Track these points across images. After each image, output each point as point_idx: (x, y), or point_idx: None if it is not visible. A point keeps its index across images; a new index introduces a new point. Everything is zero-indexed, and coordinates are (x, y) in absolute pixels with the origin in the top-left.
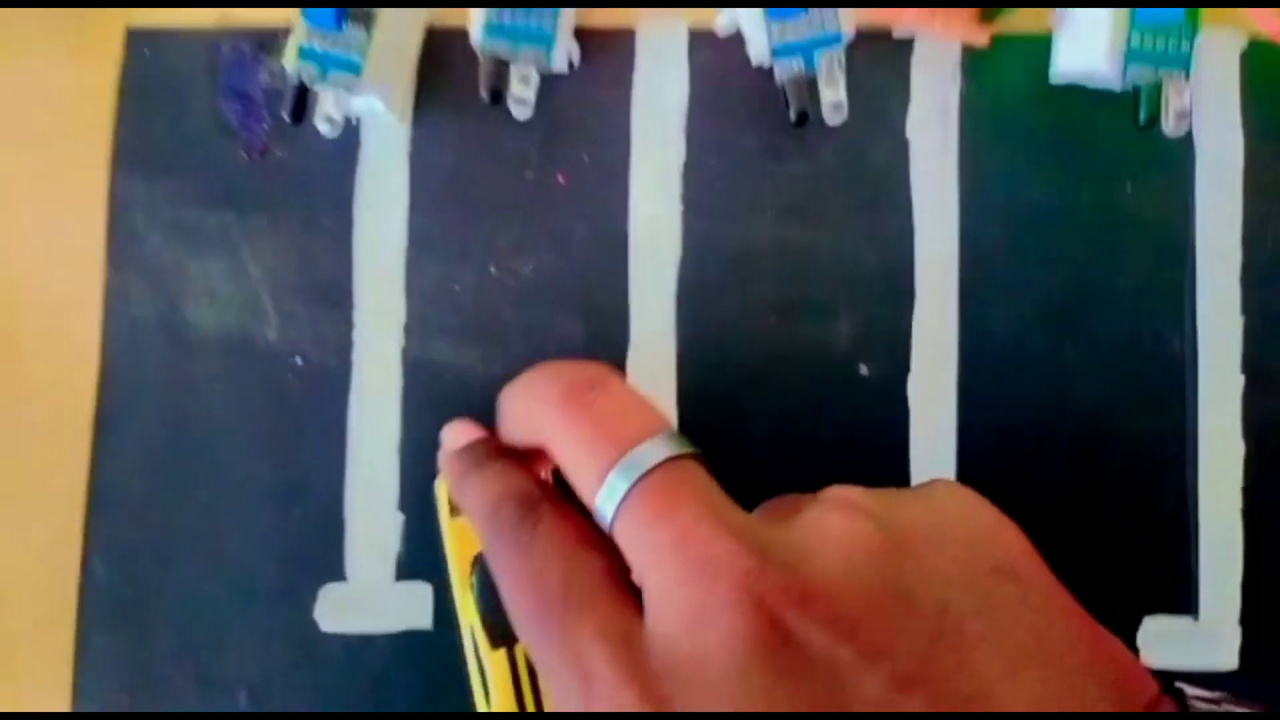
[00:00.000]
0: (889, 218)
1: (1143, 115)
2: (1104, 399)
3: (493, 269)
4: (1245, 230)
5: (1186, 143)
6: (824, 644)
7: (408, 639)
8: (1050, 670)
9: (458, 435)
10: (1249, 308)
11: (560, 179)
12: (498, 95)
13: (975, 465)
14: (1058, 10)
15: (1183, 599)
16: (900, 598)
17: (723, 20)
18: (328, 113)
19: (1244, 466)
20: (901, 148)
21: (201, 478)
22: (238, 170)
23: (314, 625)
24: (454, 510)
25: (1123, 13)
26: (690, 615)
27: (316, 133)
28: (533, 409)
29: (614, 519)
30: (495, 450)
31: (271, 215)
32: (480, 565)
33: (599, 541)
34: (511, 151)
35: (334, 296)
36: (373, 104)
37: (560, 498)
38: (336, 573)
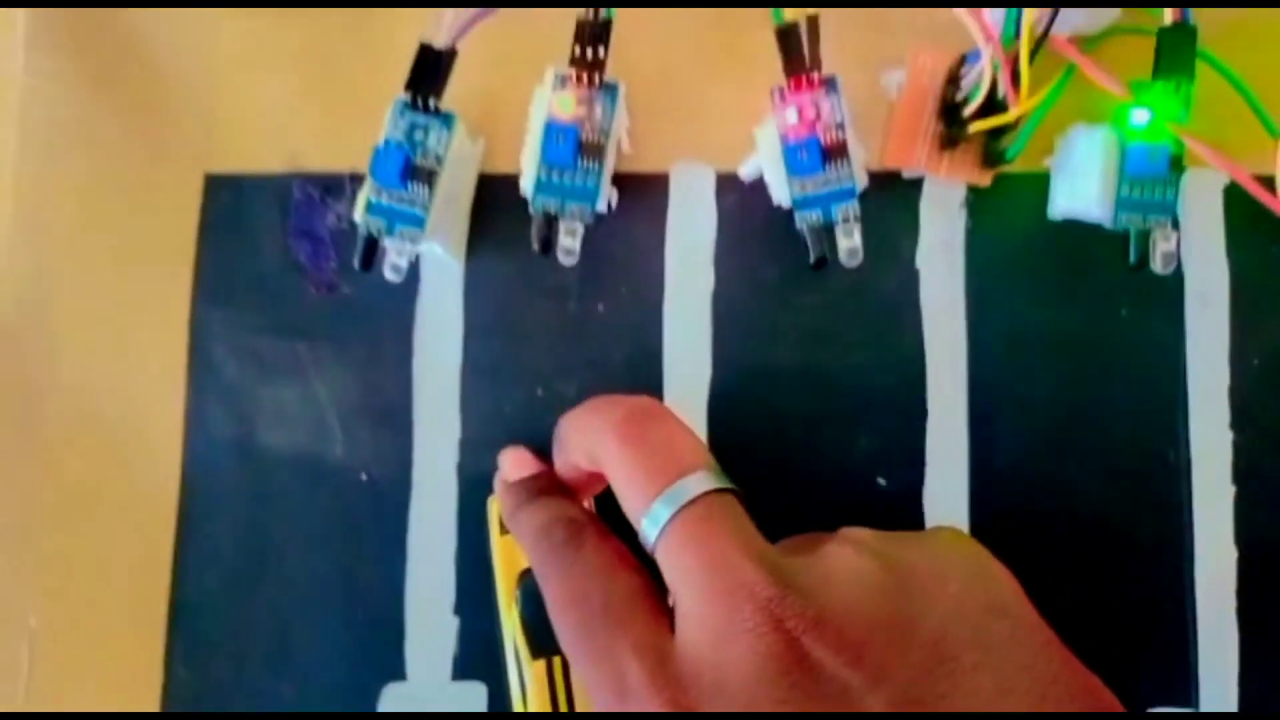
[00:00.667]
0: (902, 341)
1: (1133, 257)
2: (1106, 508)
3: (540, 391)
4: (1232, 352)
5: (1176, 273)
6: (834, 666)
7: None
8: (1035, 698)
9: (514, 464)
10: (1237, 424)
11: (600, 308)
12: (547, 245)
13: None
14: (1053, 155)
15: (1184, 692)
16: (903, 628)
17: (747, 169)
18: (394, 262)
19: (1237, 569)
20: (912, 278)
21: (274, 585)
22: (307, 304)
23: None
24: (503, 529)
25: (1112, 164)
26: (717, 633)
27: (380, 271)
28: (592, 433)
29: (656, 541)
30: (547, 484)
31: (338, 344)
32: (524, 581)
33: (637, 563)
34: (556, 285)
35: (396, 418)
36: (433, 249)
37: (602, 524)
38: (398, 672)
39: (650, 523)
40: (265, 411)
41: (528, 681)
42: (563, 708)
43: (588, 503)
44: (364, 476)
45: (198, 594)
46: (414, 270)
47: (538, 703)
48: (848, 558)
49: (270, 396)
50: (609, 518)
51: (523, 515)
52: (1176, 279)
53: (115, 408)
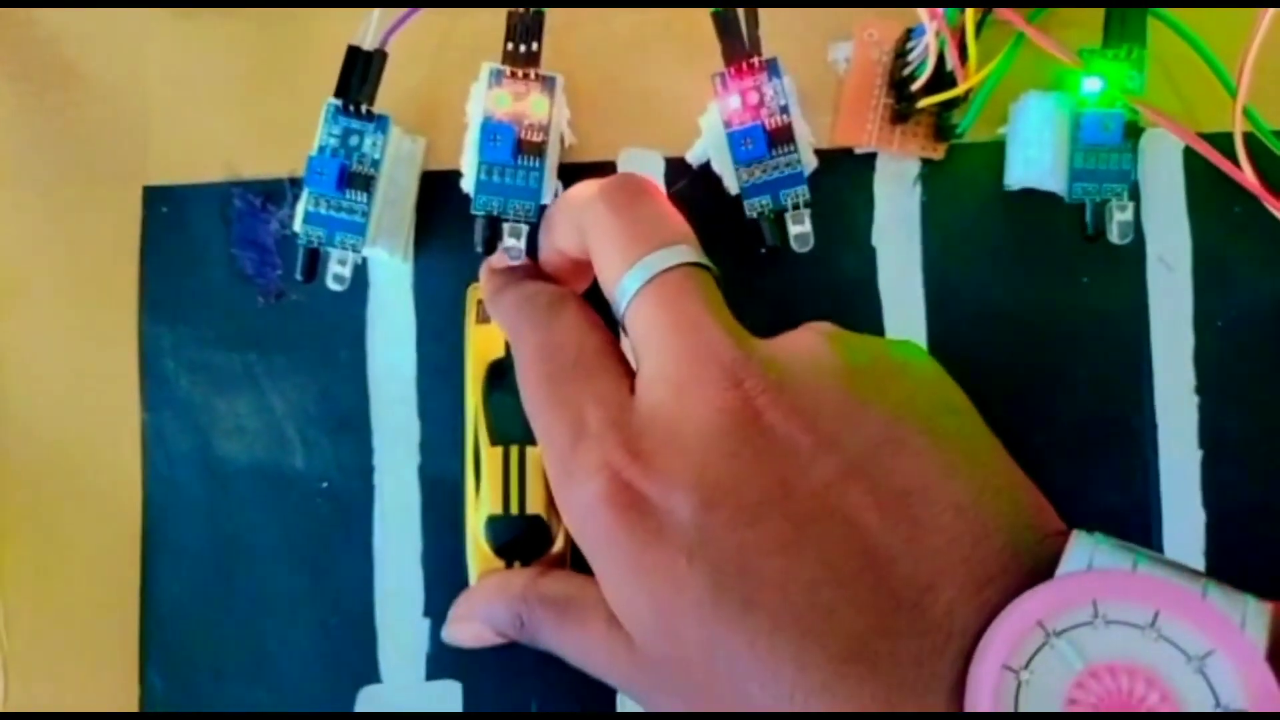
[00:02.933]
0: (861, 321)
1: (1090, 227)
2: (1072, 479)
3: None
4: (1195, 315)
5: (1137, 238)
6: (787, 429)
7: None
8: (977, 484)
9: (501, 256)
10: (1202, 387)
11: None
12: (492, 246)
13: None
14: (1008, 124)
15: None
16: (857, 406)
17: (694, 154)
18: (336, 271)
19: (1205, 533)
20: (869, 256)
21: (244, 595)
22: (256, 313)
23: None
24: (480, 318)
25: (1065, 133)
26: (678, 387)
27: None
28: (581, 201)
29: (630, 301)
30: (534, 271)
31: (290, 353)
32: (492, 369)
33: (610, 331)
34: None
35: (354, 424)
36: (378, 253)
37: (584, 300)
38: (372, 675)
39: (628, 283)
40: (222, 424)
41: (483, 466)
42: (514, 495)
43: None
44: (325, 484)
45: (169, 608)
46: (363, 274)
47: (491, 487)
48: (812, 341)
49: (226, 409)
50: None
51: (508, 291)
52: (1138, 244)
53: (71, 430)
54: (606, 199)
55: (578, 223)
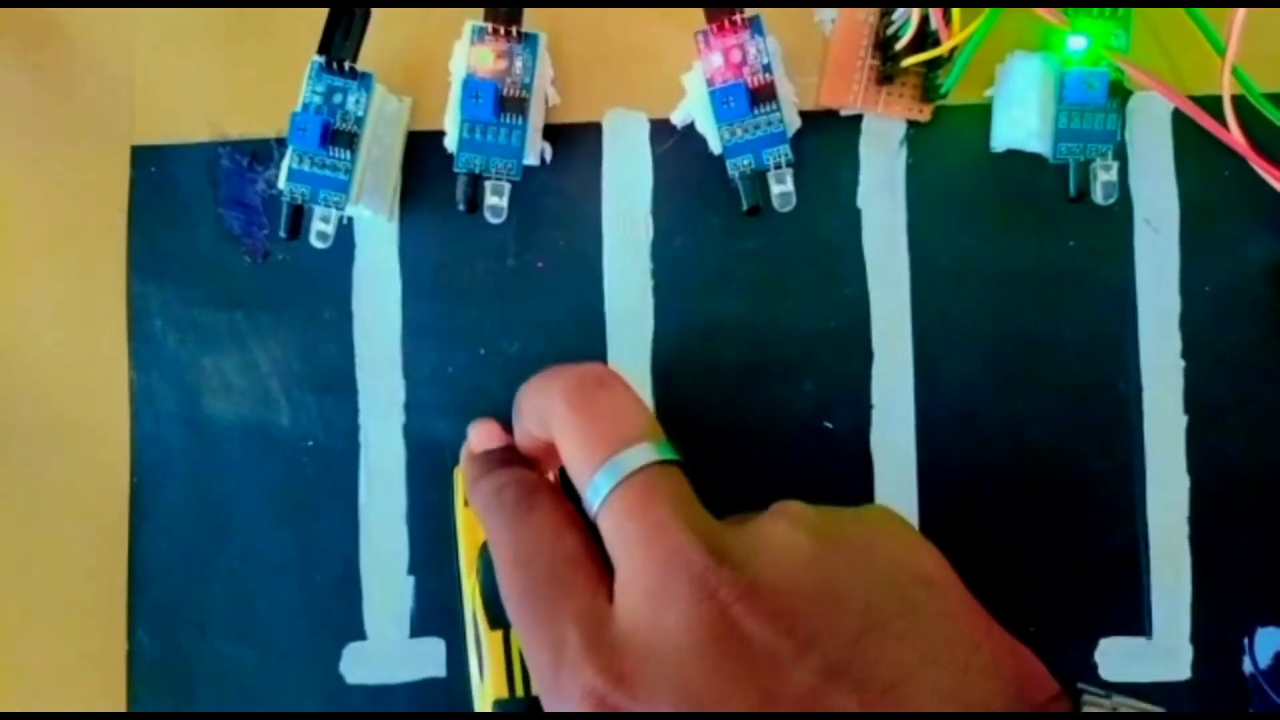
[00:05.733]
0: (845, 283)
1: (1073, 188)
2: (1056, 442)
3: (482, 350)
4: (1182, 279)
5: (1125, 201)
6: (764, 635)
7: (425, 686)
8: (958, 665)
9: (481, 436)
10: (1189, 352)
11: (539, 264)
12: (474, 204)
13: (936, 508)
14: (994, 85)
15: (1137, 621)
16: (832, 597)
17: (679, 114)
18: (320, 228)
19: (1189, 498)
20: (854, 218)
21: (230, 552)
22: (243, 273)
23: (340, 679)
24: (468, 501)
25: (1050, 93)
26: (653, 600)
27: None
28: (543, 399)
29: (599, 509)
30: (510, 455)
31: (276, 312)
32: (485, 553)
33: (584, 526)
34: (493, 242)
35: (339, 383)
36: (362, 212)
37: (559, 490)
38: (357, 632)
39: (593, 491)
40: (210, 383)
41: (485, 651)
42: (518, 676)
43: (551, 476)
44: (311, 443)
45: (156, 565)
46: (348, 233)
47: (494, 671)
48: (781, 530)
49: (213, 368)
50: (571, 491)
51: (482, 482)
52: (1125, 206)
53: (60, 389)
54: (564, 398)
55: (541, 418)
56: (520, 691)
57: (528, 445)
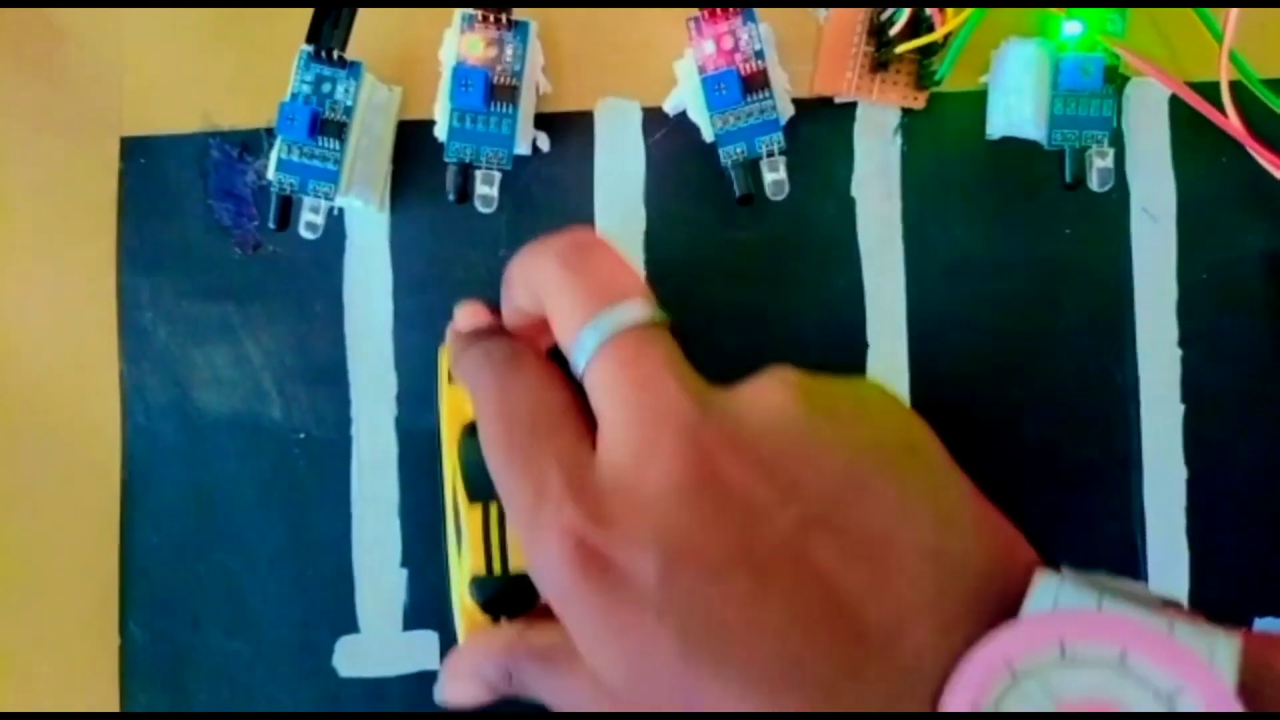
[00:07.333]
0: (839, 272)
1: (1068, 175)
2: (1053, 432)
3: None
4: (1179, 267)
5: (1121, 189)
6: (746, 482)
7: (419, 679)
8: (939, 524)
9: (467, 315)
10: (1186, 341)
11: None
12: (464, 194)
13: None
14: (990, 72)
15: None
16: (816, 454)
17: (671, 103)
18: (309, 219)
19: (1186, 488)
20: (848, 206)
21: (223, 547)
22: (233, 265)
23: (333, 673)
24: (452, 379)
25: (1045, 79)
26: (638, 448)
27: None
28: (534, 262)
29: (588, 362)
30: (497, 330)
31: (268, 304)
32: (467, 430)
33: (570, 386)
34: (484, 232)
35: (331, 375)
36: (352, 202)
37: (546, 355)
38: (350, 625)
39: (584, 344)
40: (201, 376)
41: (464, 525)
42: (496, 553)
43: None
44: (303, 435)
45: (148, 558)
46: (339, 225)
47: (472, 547)
48: (770, 388)
49: (204, 360)
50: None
51: (470, 348)
52: (1121, 194)
53: (50, 382)
54: (558, 257)
55: (532, 284)
56: (498, 569)
57: (516, 322)
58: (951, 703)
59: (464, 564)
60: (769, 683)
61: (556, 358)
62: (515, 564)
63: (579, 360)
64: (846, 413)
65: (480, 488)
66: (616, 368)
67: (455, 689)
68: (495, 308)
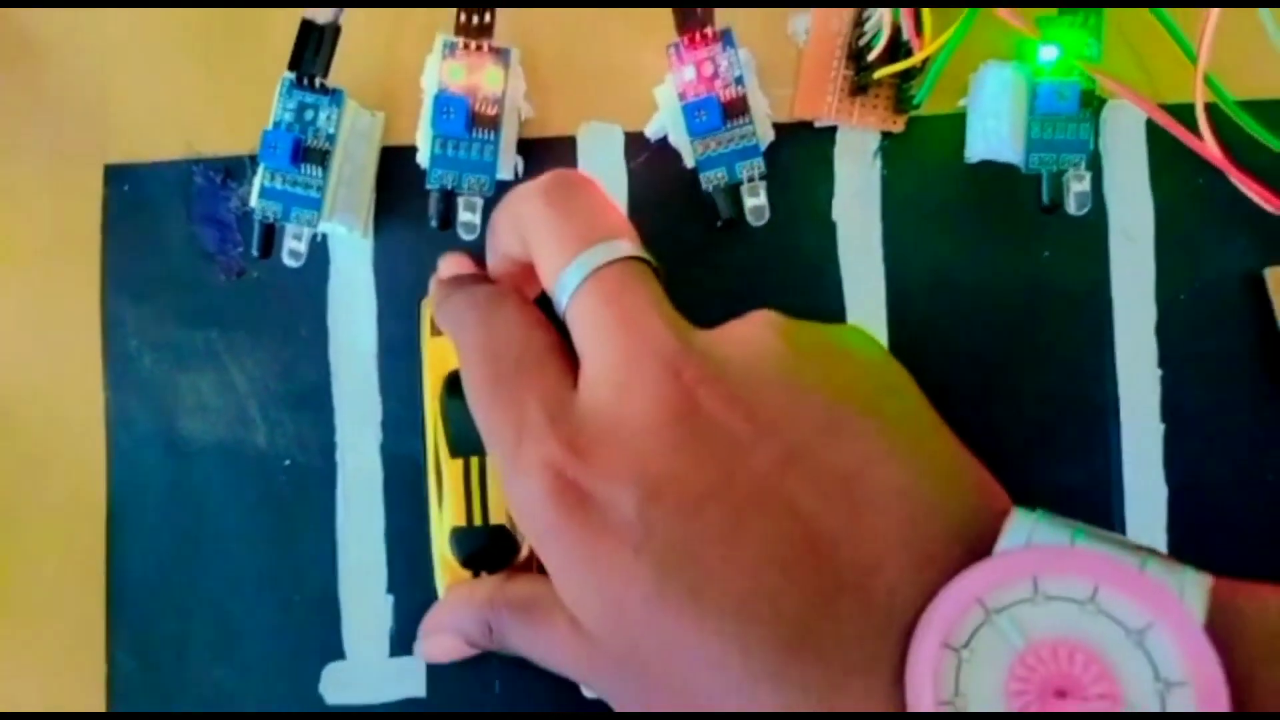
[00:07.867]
0: (821, 295)
1: (1045, 198)
2: (1033, 453)
3: None
4: (1158, 288)
5: (1100, 211)
6: (726, 418)
7: (406, 706)
8: (917, 466)
9: (451, 265)
10: (1165, 361)
11: None
12: (446, 221)
13: None
14: (968, 95)
15: None
16: (798, 391)
17: (653, 128)
18: (292, 246)
19: (1167, 508)
20: (829, 230)
21: (209, 573)
22: (217, 291)
23: (320, 700)
24: (434, 331)
25: (1022, 103)
26: (619, 383)
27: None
28: (520, 203)
29: (570, 297)
30: (482, 277)
31: (252, 330)
32: (449, 381)
33: (554, 328)
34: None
35: (315, 401)
36: (336, 229)
37: (529, 299)
38: (336, 652)
39: (567, 279)
40: (185, 403)
41: (445, 479)
42: (476, 507)
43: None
44: (288, 462)
45: (135, 587)
46: (323, 250)
47: (452, 499)
48: (753, 328)
49: (189, 387)
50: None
51: (453, 295)
52: (1100, 216)
53: (35, 410)
54: (543, 195)
55: (517, 224)
56: (478, 520)
57: (502, 270)
58: (923, 640)
59: (444, 517)
60: (742, 618)
61: (542, 306)
62: (496, 517)
63: (562, 297)
64: (828, 354)
65: (462, 442)
66: (599, 303)
67: (433, 644)
68: (479, 260)
